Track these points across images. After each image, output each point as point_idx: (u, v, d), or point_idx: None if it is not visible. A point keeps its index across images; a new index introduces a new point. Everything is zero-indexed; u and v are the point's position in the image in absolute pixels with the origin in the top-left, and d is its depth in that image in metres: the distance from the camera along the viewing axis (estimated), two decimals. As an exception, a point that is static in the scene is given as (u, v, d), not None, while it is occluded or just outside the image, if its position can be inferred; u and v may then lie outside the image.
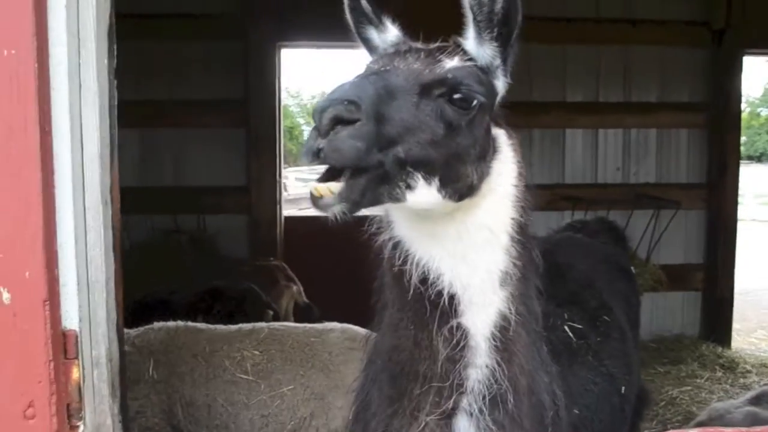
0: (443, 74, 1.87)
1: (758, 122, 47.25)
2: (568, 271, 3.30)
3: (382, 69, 1.88)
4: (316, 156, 1.65)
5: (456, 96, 1.86)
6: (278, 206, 8.53)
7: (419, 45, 2.05)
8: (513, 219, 2.04)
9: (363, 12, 2.15)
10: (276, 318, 6.17)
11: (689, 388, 7.36)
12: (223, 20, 8.24)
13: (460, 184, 1.86)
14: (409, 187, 1.77)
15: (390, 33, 2.15)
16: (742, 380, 7.64)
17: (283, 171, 9.03)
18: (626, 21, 8.64)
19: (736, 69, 8.88)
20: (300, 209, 10.82)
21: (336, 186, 1.68)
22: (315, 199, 1.70)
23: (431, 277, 1.96)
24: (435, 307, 1.96)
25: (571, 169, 8.83)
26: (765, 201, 31.09)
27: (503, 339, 2.02)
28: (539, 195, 7.72)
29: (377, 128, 1.69)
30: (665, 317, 9.06)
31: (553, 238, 4.05)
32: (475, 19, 1.92)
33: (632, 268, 4.15)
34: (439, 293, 1.95)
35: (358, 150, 1.64)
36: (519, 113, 7.40)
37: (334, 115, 1.64)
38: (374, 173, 1.71)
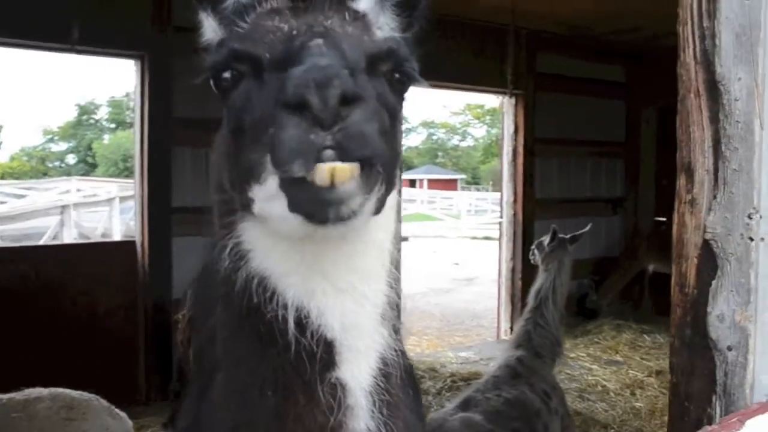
0: (388, 45, 1.43)
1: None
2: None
3: (315, 29, 1.35)
4: (319, 157, 1.17)
5: (397, 75, 1.45)
6: None
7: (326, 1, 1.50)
8: (395, 231, 1.64)
9: None
10: None
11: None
12: None
13: (392, 190, 1.43)
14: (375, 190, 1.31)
15: None
16: (420, 386, 8.13)
17: None
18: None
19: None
20: None
21: (357, 167, 1.20)
22: (327, 190, 1.19)
23: (311, 320, 1.46)
24: (311, 360, 1.47)
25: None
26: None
27: (387, 390, 1.59)
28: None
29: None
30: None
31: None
32: None
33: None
34: (319, 340, 1.47)
35: (378, 137, 1.22)
36: (198, 130, 6.89)
37: (343, 92, 1.15)
38: None
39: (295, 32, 1.36)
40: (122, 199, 17.23)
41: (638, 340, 9.84)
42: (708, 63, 2.30)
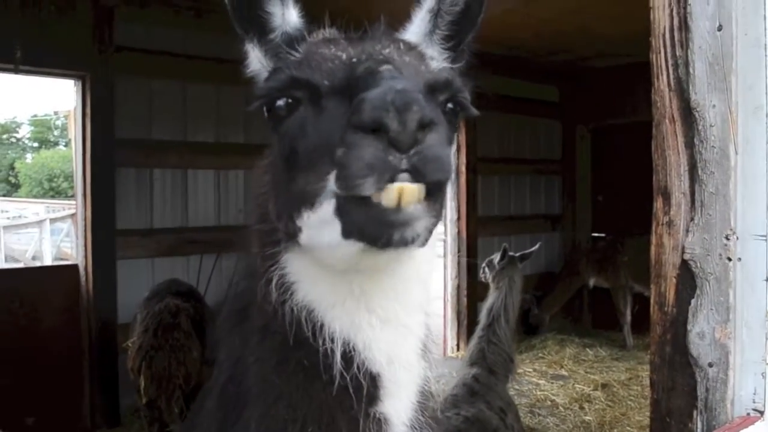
0: (445, 75, 1.42)
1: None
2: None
3: (375, 57, 1.35)
4: (393, 179, 1.14)
5: (451, 106, 1.43)
6: None
7: (380, 32, 1.51)
8: (433, 262, 1.63)
9: None
10: None
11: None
12: None
13: (440, 220, 1.39)
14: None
15: (293, 13, 1.57)
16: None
17: None
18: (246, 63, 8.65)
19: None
20: None
21: (423, 190, 1.17)
22: (393, 211, 1.16)
23: (357, 353, 1.45)
24: (357, 395, 1.45)
25: (194, 212, 8.42)
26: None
27: (427, 423, 1.60)
28: (163, 240, 7.06)
29: None
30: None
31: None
32: (438, 10, 1.52)
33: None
34: (366, 374, 1.45)
35: (450, 162, 1.21)
36: (141, 151, 6.79)
37: (421, 116, 1.13)
38: None
39: (355, 60, 1.35)
40: (52, 220, 16.61)
41: (581, 354, 10.05)
42: (682, 90, 2.40)
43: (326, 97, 1.32)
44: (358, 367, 1.45)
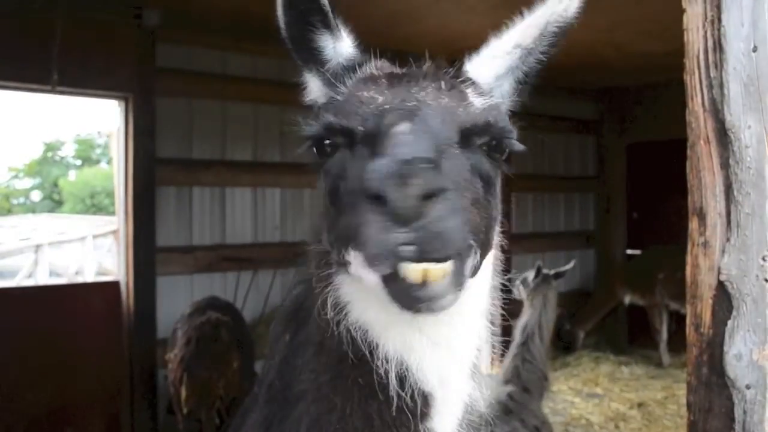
0: (486, 117, 1.43)
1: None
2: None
3: (406, 104, 1.37)
4: (396, 255, 1.16)
5: (494, 145, 1.46)
6: None
7: (426, 68, 1.56)
8: (493, 288, 1.69)
9: (315, 9, 1.58)
10: None
11: None
12: None
13: (488, 253, 1.47)
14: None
15: (345, 44, 1.63)
16: None
17: None
18: (282, 83, 8.80)
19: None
20: None
21: (449, 267, 1.20)
22: (416, 288, 1.19)
23: (411, 374, 1.51)
24: (411, 413, 1.51)
25: (232, 229, 8.55)
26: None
27: None
28: (201, 256, 7.12)
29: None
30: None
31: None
32: (532, 49, 1.58)
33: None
34: (418, 393, 1.51)
35: (462, 232, 1.21)
36: (181, 170, 6.89)
37: (427, 190, 1.14)
38: None
39: (387, 106, 1.39)
40: (94, 236, 16.92)
41: (616, 372, 9.92)
42: (716, 111, 2.41)
43: (360, 142, 1.38)
44: (411, 387, 1.51)
